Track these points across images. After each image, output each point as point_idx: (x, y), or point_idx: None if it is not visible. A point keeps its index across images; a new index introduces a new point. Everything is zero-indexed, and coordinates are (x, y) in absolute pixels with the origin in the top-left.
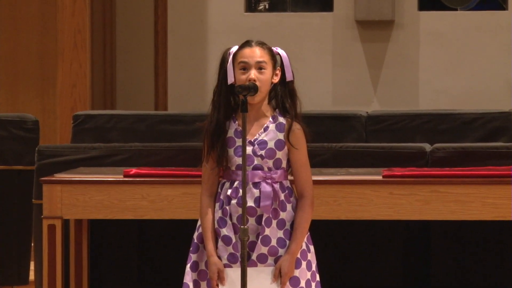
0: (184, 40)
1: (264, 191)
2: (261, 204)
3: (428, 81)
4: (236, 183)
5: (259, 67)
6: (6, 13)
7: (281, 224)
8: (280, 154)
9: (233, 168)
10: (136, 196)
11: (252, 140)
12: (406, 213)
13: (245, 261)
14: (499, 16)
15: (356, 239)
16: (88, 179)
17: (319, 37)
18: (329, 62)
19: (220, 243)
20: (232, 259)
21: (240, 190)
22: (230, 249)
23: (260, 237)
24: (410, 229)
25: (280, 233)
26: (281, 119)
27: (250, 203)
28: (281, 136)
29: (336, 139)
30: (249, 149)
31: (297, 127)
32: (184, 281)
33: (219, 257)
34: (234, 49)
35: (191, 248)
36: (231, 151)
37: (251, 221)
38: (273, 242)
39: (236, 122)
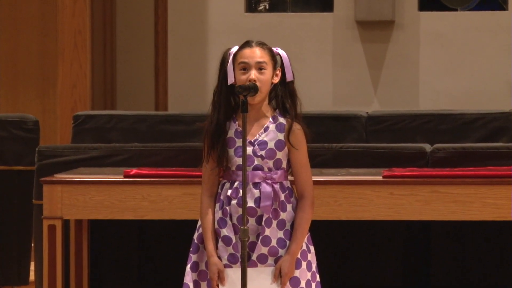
0: (185, 40)
1: (264, 191)
2: (261, 204)
3: (429, 82)
4: (236, 184)
5: (259, 68)
6: (6, 13)
7: (281, 225)
8: (280, 155)
9: (233, 168)
10: (137, 196)
11: (252, 141)
12: (406, 214)
13: (245, 262)
14: (499, 16)
15: (356, 239)
16: (89, 179)
17: (319, 38)
18: (329, 63)
19: (220, 243)
20: (232, 259)
21: (240, 191)
22: (230, 249)
23: (260, 237)
24: (410, 229)
25: (280, 234)
26: (281, 120)
27: (250, 203)
28: (281, 136)
29: (336, 139)
30: (249, 150)
31: (297, 128)
32: (184, 281)
33: (219, 258)
34: (234, 49)
35: (191, 249)
36: (231, 151)
37: (251, 221)
38: (273, 243)
39: (236, 122)
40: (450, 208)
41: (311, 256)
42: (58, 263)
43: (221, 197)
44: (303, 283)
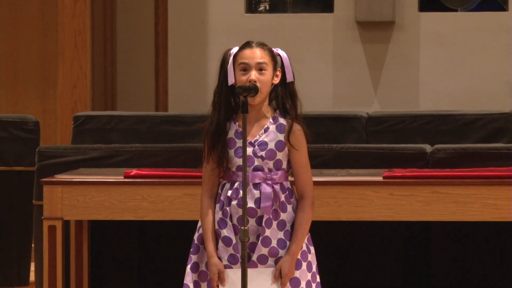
0: (185, 41)
1: (265, 192)
2: (262, 205)
3: (429, 82)
4: (236, 184)
5: (260, 68)
6: (6, 13)
7: (281, 225)
8: (280, 155)
9: (234, 169)
10: (137, 197)
11: (253, 141)
12: (406, 214)
13: (246, 262)
14: (500, 17)
15: (356, 240)
16: (89, 180)
17: (319, 38)
18: (330, 63)
19: (220, 244)
20: (232, 260)
21: (241, 191)
22: (231, 250)
23: (261, 238)
24: (411, 230)
25: (281, 234)
26: (282, 120)
27: (250, 204)
28: (281, 137)
29: (336, 140)
30: (249, 150)
31: (297, 128)
32: (185, 282)
33: (220, 258)
34: (235, 50)
35: (191, 249)
36: (231, 152)
37: (252, 222)
38: (274, 243)
39: (237, 123)
40: (450, 208)
41: (311, 257)
42: (58, 263)
43: (221, 198)
44: (303, 284)
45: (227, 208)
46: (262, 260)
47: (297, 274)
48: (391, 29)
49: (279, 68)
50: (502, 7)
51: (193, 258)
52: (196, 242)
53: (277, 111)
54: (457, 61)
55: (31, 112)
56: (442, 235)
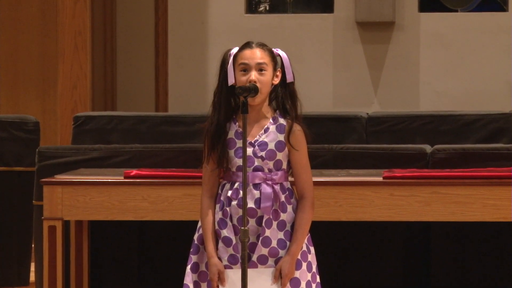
0: (185, 41)
1: (265, 192)
2: (262, 205)
3: (429, 82)
4: (236, 184)
5: (260, 69)
6: (6, 14)
7: (281, 226)
8: (280, 155)
9: (234, 169)
10: (137, 197)
11: (253, 142)
12: (406, 215)
13: (246, 262)
14: (500, 17)
15: (357, 240)
16: (89, 180)
17: (319, 39)
18: (330, 64)
19: (220, 244)
20: (232, 260)
21: (241, 192)
22: (231, 250)
23: (261, 238)
24: (411, 230)
25: (281, 234)
26: (282, 120)
27: (250, 204)
28: (281, 137)
29: (336, 140)
30: (249, 151)
31: (297, 128)
32: (185, 282)
33: (220, 258)
34: (235, 50)
35: (191, 249)
36: (231, 152)
37: (252, 222)
38: (274, 243)
39: (237, 123)
40: (450, 209)
41: (311, 257)
42: (58, 264)
43: (221, 198)
44: (303, 284)
45: (227, 209)
46: (262, 260)
47: (297, 274)
48: (391, 30)
49: (279, 69)
50: (502, 8)
51: (193, 258)
52: (196, 242)
53: (277, 111)
54: (457, 61)
55: (31, 112)
56: (442, 235)
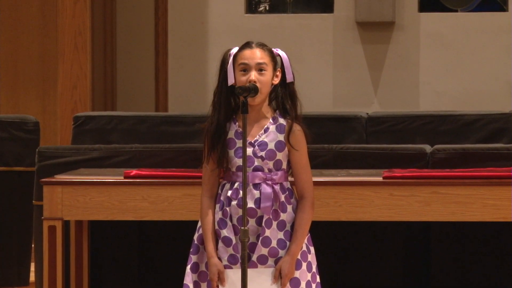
0: (185, 41)
1: (265, 192)
2: (262, 205)
3: (429, 82)
4: (236, 184)
5: (260, 69)
6: (7, 14)
7: (281, 225)
8: (280, 155)
9: (234, 169)
10: (137, 197)
11: (253, 142)
12: (406, 214)
13: (246, 262)
14: (500, 17)
15: (357, 240)
16: (89, 180)
17: (319, 39)
18: (330, 64)
19: (220, 244)
20: (232, 260)
21: (241, 191)
22: (231, 250)
23: (261, 238)
24: (411, 230)
25: (281, 234)
26: (282, 120)
27: (250, 204)
28: (281, 137)
29: (336, 140)
30: (249, 151)
31: (297, 128)
32: (185, 282)
33: (219, 258)
34: (235, 50)
35: (191, 249)
36: (231, 152)
37: (252, 222)
38: (274, 243)
39: (237, 123)
40: (450, 209)
41: (311, 257)
42: (58, 264)
43: (221, 198)
44: (303, 284)
45: (227, 208)
46: (262, 260)
47: (297, 274)
48: (391, 30)
49: (279, 69)
50: (502, 8)
51: (193, 258)
52: (196, 242)
53: (277, 111)
54: (457, 62)
55: (31, 112)
56: (442, 235)
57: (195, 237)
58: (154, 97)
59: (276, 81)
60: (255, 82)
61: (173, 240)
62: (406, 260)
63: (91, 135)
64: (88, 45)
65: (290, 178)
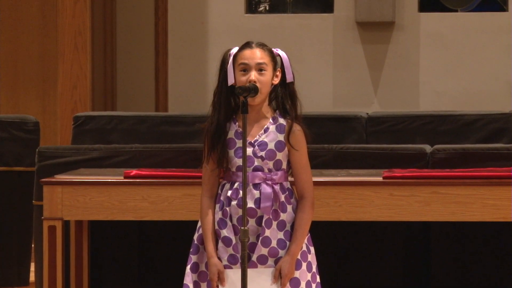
0: (185, 41)
1: (265, 192)
2: (261, 205)
3: (429, 82)
4: (236, 184)
5: (260, 69)
6: (7, 14)
7: (281, 225)
8: (280, 155)
9: (233, 169)
10: (137, 197)
11: (253, 141)
12: (406, 214)
13: (245, 262)
14: (500, 17)
15: (356, 240)
16: (89, 180)
17: (319, 39)
18: (330, 64)
19: (220, 244)
20: (232, 260)
21: (241, 191)
22: (230, 250)
23: (260, 238)
24: (411, 230)
25: (281, 234)
26: (282, 120)
27: (250, 204)
28: (281, 137)
29: (336, 140)
30: (249, 151)
31: (297, 128)
32: (184, 282)
33: (219, 258)
34: (235, 50)
35: (191, 249)
36: (231, 152)
37: (251, 222)
38: (273, 243)
39: (237, 123)
40: (450, 209)
41: (311, 257)
42: (58, 264)
43: (221, 198)
44: (303, 284)
45: (227, 208)
46: (262, 260)
47: (297, 274)
48: (391, 30)
49: (279, 69)
50: (502, 8)
51: (193, 258)
52: (196, 242)
53: (277, 111)
54: (457, 61)
55: (31, 112)
56: (442, 235)
57: (195, 237)
58: (154, 97)
59: (276, 81)
60: (255, 82)
61: (173, 240)
62: (406, 260)
63: (91, 135)
64: (88, 45)
65: (290, 178)
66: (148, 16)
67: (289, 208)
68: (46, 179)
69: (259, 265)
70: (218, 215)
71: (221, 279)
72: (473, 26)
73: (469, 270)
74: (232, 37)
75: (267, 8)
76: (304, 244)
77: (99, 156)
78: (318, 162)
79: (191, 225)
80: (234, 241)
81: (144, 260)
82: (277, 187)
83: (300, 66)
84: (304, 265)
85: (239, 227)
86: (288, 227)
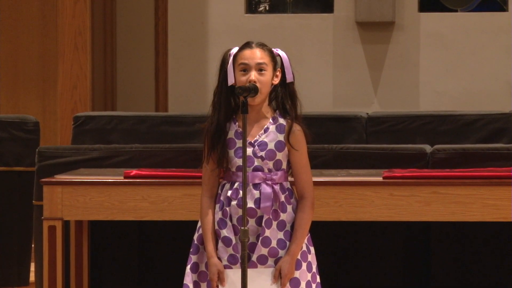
0: (185, 41)
1: (264, 192)
2: (261, 205)
3: (429, 82)
4: (236, 184)
5: (260, 69)
6: (7, 14)
7: (281, 226)
8: (280, 155)
9: (233, 169)
10: (137, 197)
11: (252, 142)
12: (406, 214)
13: (245, 262)
14: (499, 17)
15: (357, 240)
16: (89, 180)
17: (319, 39)
18: (330, 64)
19: (220, 244)
20: (232, 260)
21: (240, 191)
22: (230, 250)
23: (260, 238)
24: (411, 230)
25: (280, 235)
26: (282, 120)
27: (250, 204)
28: (281, 137)
29: (336, 140)
30: (249, 151)
31: (297, 128)
32: (184, 282)
33: (219, 258)
34: (235, 50)
35: (191, 249)
36: (231, 152)
37: (251, 222)
38: (273, 243)
39: (237, 123)
40: (450, 209)
41: (311, 257)
42: (58, 264)
43: (221, 198)
44: (303, 284)
45: (227, 208)
46: (262, 260)
47: (297, 274)
48: (391, 30)
49: (279, 69)
50: (502, 8)
51: (193, 258)
52: (196, 242)
53: (277, 111)
54: (457, 61)
55: (31, 112)
56: (442, 235)
57: (195, 237)
58: (154, 97)
59: (276, 81)
60: (255, 82)
61: (173, 240)
62: (406, 260)
63: (91, 135)
64: (88, 45)
65: (290, 178)
66: (148, 16)
67: (289, 208)
68: (46, 179)
69: (259, 265)
70: (218, 215)
71: (221, 279)
72: (473, 26)
73: (469, 270)
74: (232, 37)
75: (267, 8)
76: (304, 244)
77: (99, 156)
78: (318, 162)
79: (191, 225)
80: (234, 241)
81: (144, 260)
82: (277, 187)
83: (300, 66)
84: (304, 265)
85: (239, 227)
86: (288, 227)
